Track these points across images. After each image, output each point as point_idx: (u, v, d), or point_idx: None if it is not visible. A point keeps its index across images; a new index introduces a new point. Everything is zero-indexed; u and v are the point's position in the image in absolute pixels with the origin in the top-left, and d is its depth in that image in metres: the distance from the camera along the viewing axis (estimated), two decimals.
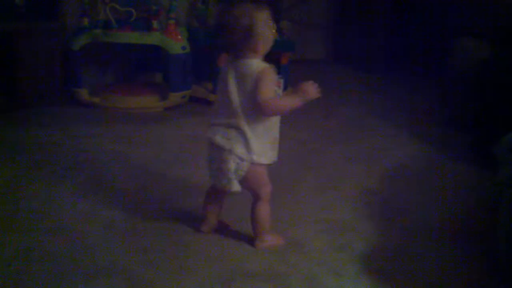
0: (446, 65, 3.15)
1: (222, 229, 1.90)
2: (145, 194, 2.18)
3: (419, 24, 4.43)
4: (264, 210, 1.78)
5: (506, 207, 1.62)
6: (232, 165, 1.69)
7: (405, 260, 1.76)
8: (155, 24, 3.25)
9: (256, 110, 1.65)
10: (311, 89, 1.69)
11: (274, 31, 1.72)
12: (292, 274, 1.67)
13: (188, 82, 3.36)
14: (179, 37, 3.27)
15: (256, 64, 1.67)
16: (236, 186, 1.72)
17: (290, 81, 3.65)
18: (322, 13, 4.75)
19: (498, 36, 2.85)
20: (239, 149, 1.67)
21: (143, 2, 3.38)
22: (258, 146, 1.69)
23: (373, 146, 2.83)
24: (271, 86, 1.66)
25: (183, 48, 3.26)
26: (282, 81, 1.79)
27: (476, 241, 1.89)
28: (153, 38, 3.23)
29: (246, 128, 1.67)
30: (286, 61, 3.61)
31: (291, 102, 1.70)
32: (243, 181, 1.73)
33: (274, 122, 1.73)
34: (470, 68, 2.84)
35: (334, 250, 1.81)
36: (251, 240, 1.82)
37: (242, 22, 1.63)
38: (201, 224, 1.89)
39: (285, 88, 3.22)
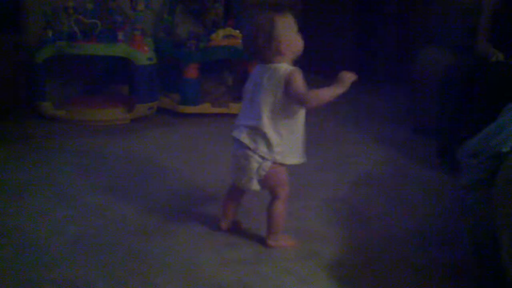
0: (411, 73, 3.20)
1: (235, 228, 1.96)
2: (113, 209, 2.14)
3: (385, 33, 4.50)
4: (281, 209, 1.85)
5: (469, 211, 1.65)
6: (254, 164, 1.77)
7: (374, 267, 1.78)
8: (120, 35, 3.22)
9: (298, 102, 1.74)
10: (347, 76, 1.78)
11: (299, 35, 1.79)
12: (261, 284, 1.66)
13: (155, 93, 3.34)
14: (146, 48, 3.25)
15: (283, 68, 1.75)
16: (255, 185, 1.81)
17: None
18: None
19: (460, 45, 2.92)
20: (263, 149, 1.76)
21: (108, 13, 3.36)
22: (281, 148, 1.77)
23: (340, 153, 2.85)
24: (303, 82, 1.74)
25: (150, 59, 3.24)
26: None
27: (443, 245, 1.91)
28: (119, 50, 3.20)
29: (270, 131, 1.75)
30: None
31: (331, 91, 1.77)
32: (264, 180, 1.80)
33: (298, 124, 1.81)
34: (434, 75, 2.90)
35: (303, 258, 1.81)
36: (262, 240, 1.88)
37: (265, 27, 1.73)
38: (220, 221, 1.96)
39: None
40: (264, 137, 1.76)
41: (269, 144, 1.76)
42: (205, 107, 3.47)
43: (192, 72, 3.39)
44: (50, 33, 3.21)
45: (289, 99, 1.74)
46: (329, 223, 2.07)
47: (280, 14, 1.75)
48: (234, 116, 3.42)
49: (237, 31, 3.52)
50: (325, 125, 3.32)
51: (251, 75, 1.85)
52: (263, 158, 1.77)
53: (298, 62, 1.86)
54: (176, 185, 2.38)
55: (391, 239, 1.96)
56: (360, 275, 1.73)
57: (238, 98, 3.56)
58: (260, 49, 1.75)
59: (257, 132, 1.77)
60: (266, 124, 1.75)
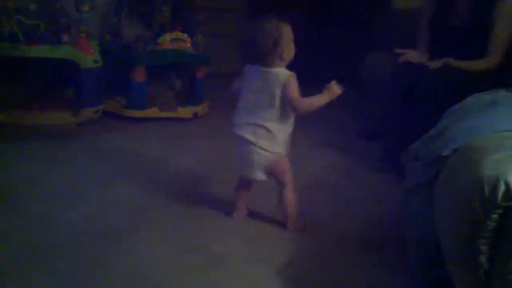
0: (359, 79, 3.27)
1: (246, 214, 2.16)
2: (58, 216, 2.08)
3: (332, 39, 4.59)
4: (291, 197, 2.06)
5: (412, 214, 1.71)
6: (257, 156, 1.97)
7: (325, 270, 1.82)
8: (65, 37, 3.14)
9: (291, 107, 1.95)
10: (335, 87, 2.00)
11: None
12: None
13: (101, 96, 3.27)
14: (91, 50, 3.18)
15: (283, 72, 1.94)
16: (260, 176, 2.02)
17: (206, 94, 3.66)
18: (236, 27, 4.80)
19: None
20: (264, 143, 1.96)
21: (51, 14, 3.26)
22: (279, 141, 1.99)
23: (289, 158, 2.88)
24: (297, 88, 1.94)
25: (95, 61, 3.17)
26: None
27: (391, 247, 1.98)
28: (63, 52, 3.11)
29: (271, 126, 1.95)
30: (202, 75, 3.62)
31: (319, 100, 1.99)
32: (270, 170, 2.01)
33: (291, 121, 2.01)
34: (379, 81, 2.98)
35: (255, 263, 1.83)
36: (284, 225, 2.07)
37: (272, 33, 1.90)
38: (233, 212, 2.15)
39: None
40: (267, 132, 1.95)
41: (271, 139, 1.96)
42: (153, 111, 3.44)
43: (139, 75, 3.35)
44: None
45: (284, 100, 1.93)
46: (278, 227, 2.10)
47: (285, 23, 1.93)
48: (182, 120, 3.46)
49: (185, 35, 3.51)
50: None
51: (248, 77, 2.00)
52: (264, 150, 1.96)
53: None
54: (127, 191, 2.34)
55: (338, 242, 2.01)
56: (311, 279, 1.76)
57: (186, 102, 3.56)
58: (264, 53, 1.92)
59: (259, 128, 1.95)
60: (268, 121, 1.95)
